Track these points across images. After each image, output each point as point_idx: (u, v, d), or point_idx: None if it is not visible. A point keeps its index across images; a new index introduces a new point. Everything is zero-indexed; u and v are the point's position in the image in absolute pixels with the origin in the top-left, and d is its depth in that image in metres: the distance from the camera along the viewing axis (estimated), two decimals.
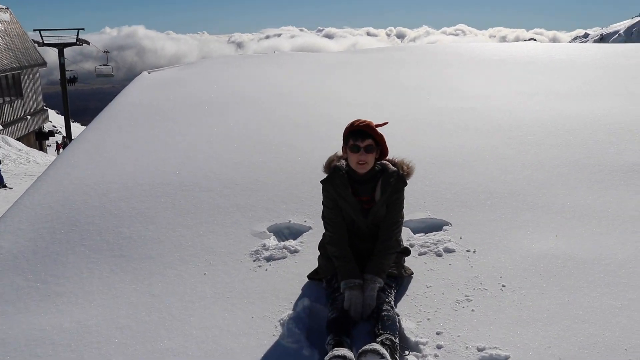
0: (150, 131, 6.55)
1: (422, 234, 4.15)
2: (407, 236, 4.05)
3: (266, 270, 3.70)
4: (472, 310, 3.13)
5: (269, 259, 3.81)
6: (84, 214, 4.58)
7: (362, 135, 3.17)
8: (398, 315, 3.05)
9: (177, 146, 5.94)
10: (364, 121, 3.24)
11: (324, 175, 3.42)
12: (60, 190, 5.01)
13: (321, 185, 3.39)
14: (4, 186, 19.29)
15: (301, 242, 4.04)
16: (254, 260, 3.81)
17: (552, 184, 4.72)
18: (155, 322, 3.23)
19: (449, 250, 3.79)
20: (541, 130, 5.91)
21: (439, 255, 3.76)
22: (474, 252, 3.76)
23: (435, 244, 3.89)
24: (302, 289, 3.45)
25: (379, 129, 3.24)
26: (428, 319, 3.08)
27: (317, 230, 4.14)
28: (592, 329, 2.91)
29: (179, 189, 4.86)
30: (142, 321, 3.25)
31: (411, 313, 3.16)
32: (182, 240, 4.11)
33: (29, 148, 29.44)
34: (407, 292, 3.36)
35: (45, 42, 37.39)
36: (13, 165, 24.03)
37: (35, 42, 37.31)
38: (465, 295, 3.27)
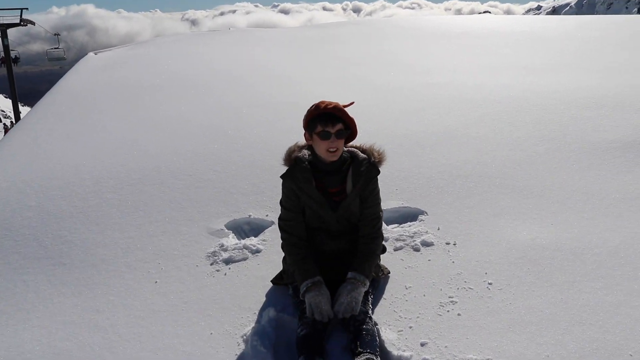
0: (95, 118, 6.01)
1: (396, 224, 3.81)
2: None
3: (225, 274, 3.29)
4: (458, 314, 2.80)
5: (227, 262, 3.40)
6: (19, 215, 4.07)
7: (332, 119, 2.75)
8: (376, 325, 2.70)
9: (124, 135, 5.43)
10: (332, 103, 2.79)
11: (284, 166, 3.00)
12: None
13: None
14: None
15: (263, 240, 3.64)
16: (211, 264, 3.40)
17: (529, 164, 4.43)
18: (99, 344, 2.79)
19: (427, 244, 3.45)
20: (513, 106, 5.62)
21: (417, 249, 3.42)
22: (454, 244, 3.44)
23: (412, 236, 3.55)
24: (267, 296, 3.06)
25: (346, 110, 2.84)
26: (410, 327, 2.74)
27: None
28: (590, 331, 2.62)
29: (126, 184, 4.38)
30: (84, 344, 2.81)
31: (390, 320, 2.81)
32: (130, 242, 3.66)
33: None
34: (384, 295, 3.01)
35: None
36: None
37: None
38: (450, 297, 2.94)
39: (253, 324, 2.79)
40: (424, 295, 2.98)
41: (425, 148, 4.82)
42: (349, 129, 2.87)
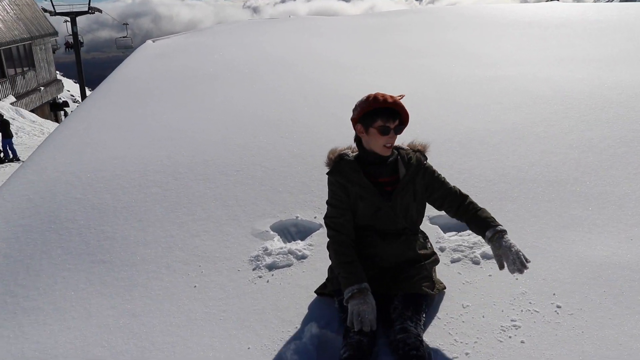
0: (147, 108, 5.93)
1: (454, 232, 3.51)
2: (436, 237, 3.41)
3: (267, 281, 3.10)
4: (522, 342, 2.50)
5: (271, 267, 3.21)
6: (65, 208, 4.01)
7: (393, 115, 2.62)
8: (429, 350, 2.43)
9: (174, 125, 5.31)
10: (392, 97, 2.64)
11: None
12: (42, 180, 4.44)
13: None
14: (17, 159, 18.98)
15: (310, 245, 3.42)
16: (254, 269, 3.21)
17: (605, 169, 4.02)
18: (132, 352, 2.65)
19: (488, 257, 3.14)
20: (586, 103, 5.16)
21: (476, 262, 3.12)
22: None
23: (471, 247, 3.25)
24: (310, 309, 2.84)
25: None
26: (467, 354, 2.46)
27: None
28: None
29: (172, 177, 4.25)
30: (118, 351, 2.67)
31: (445, 345, 2.53)
32: (172, 241, 3.52)
33: (43, 120, 29.06)
34: (438, 314, 2.73)
35: (56, 11, 36.67)
36: (27, 138, 23.65)
37: (45, 11, 36.62)
38: (512, 320, 2.63)
39: (294, 342, 2.58)
40: (483, 317, 2.68)
41: (488, 147, 4.47)
42: (404, 124, 2.71)
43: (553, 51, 7.31)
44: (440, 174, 2.84)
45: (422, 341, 2.40)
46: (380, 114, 2.61)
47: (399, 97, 2.69)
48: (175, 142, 4.89)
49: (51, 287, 3.24)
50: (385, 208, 2.68)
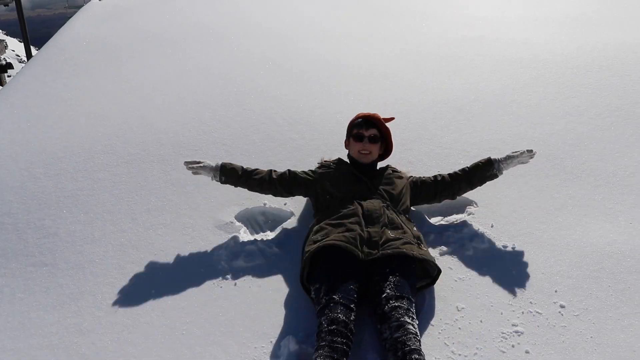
0: (94, 78, 5.36)
1: (440, 217, 3.20)
2: (421, 223, 3.09)
3: (235, 284, 2.72)
4: (527, 352, 2.22)
5: (238, 268, 2.82)
6: None
7: (367, 125, 3.02)
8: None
9: (124, 99, 4.78)
10: (371, 113, 3.08)
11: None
12: None
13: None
14: None
15: (281, 238, 3.04)
16: (219, 269, 2.82)
17: (595, 140, 3.75)
18: None
19: (479, 248, 2.84)
20: (570, 67, 4.85)
21: (467, 254, 2.81)
22: (512, 248, 2.82)
23: (460, 235, 2.93)
24: (286, 318, 2.50)
25: (386, 124, 3.08)
26: None
27: (303, 218, 3.17)
28: None
29: (123, 160, 3.79)
30: None
31: (441, 357, 2.24)
32: (123, 238, 3.09)
33: None
34: (433, 320, 2.43)
35: None
36: None
37: None
38: (513, 325, 2.35)
39: None
40: (481, 322, 2.39)
41: (469, 118, 4.14)
42: (384, 139, 3.09)
43: (528, 10, 6.94)
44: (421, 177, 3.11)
45: (420, 341, 2.11)
46: (357, 125, 3.04)
47: (389, 119, 3.08)
48: (125, 118, 4.38)
49: None
50: (364, 181, 2.89)
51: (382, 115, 3.08)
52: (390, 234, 2.56)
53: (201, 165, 2.97)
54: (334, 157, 3.18)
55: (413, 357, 2.04)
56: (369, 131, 2.98)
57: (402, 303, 2.23)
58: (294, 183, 3.00)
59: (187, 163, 2.98)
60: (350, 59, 5.32)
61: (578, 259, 2.71)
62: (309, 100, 4.49)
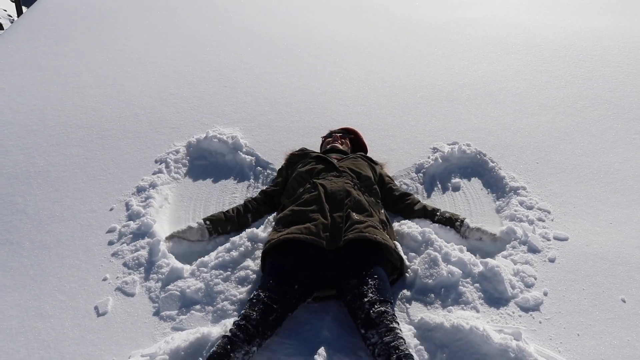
0: (73, 46, 5.20)
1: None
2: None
3: (209, 274, 2.66)
4: None
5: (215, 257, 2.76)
6: None
7: (334, 131, 3.38)
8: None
9: (102, 70, 4.65)
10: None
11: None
12: None
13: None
14: None
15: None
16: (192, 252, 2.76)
17: (580, 133, 3.68)
18: None
19: (451, 249, 2.78)
20: (560, 55, 4.76)
21: (433, 260, 2.75)
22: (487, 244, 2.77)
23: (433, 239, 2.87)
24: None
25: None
26: None
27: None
28: None
29: (97, 135, 3.69)
30: None
31: None
32: (91, 218, 3.00)
33: None
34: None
35: None
36: None
37: None
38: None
39: None
40: None
41: (456, 104, 4.05)
42: (354, 135, 3.38)
43: None
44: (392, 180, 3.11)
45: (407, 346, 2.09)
46: (327, 135, 3.39)
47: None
48: (102, 90, 4.27)
49: None
50: (329, 161, 2.91)
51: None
52: (355, 216, 2.51)
53: (182, 230, 2.78)
54: (307, 146, 3.20)
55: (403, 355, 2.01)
56: (339, 131, 3.34)
57: (388, 308, 2.20)
58: (275, 194, 3.00)
59: (168, 239, 2.77)
60: (340, 37, 5.20)
61: (553, 258, 2.66)
62: (294, 80, 4.39)
